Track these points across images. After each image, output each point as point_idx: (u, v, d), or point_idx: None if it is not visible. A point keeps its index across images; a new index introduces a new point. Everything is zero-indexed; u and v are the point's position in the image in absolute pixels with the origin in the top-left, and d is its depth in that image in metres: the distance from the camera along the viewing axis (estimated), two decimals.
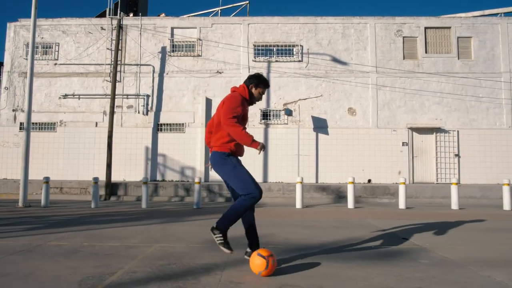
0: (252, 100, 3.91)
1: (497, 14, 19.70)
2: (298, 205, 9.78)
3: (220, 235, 3.69)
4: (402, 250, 4.57)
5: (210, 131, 3.98)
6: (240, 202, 3.60)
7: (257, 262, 3.38)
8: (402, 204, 9.86)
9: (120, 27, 14.51)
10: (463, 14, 19.38)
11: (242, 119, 3.75)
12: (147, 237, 5.41)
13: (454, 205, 9.88)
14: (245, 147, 3.82)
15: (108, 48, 15.46)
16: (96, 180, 9.99)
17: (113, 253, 4.36)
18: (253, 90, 3.87)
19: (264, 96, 15.10)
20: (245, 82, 3.93)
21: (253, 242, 3.91)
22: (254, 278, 3.38)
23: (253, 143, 3.50)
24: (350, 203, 9.92)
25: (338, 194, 13.63)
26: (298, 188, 9.83)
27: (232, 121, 3.56)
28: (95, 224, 6.73)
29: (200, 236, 5.54)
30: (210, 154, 3.88)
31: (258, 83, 3.86)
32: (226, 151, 3.68)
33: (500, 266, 3.83)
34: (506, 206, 9.77)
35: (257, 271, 3.38)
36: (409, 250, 4.57)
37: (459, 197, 13.33)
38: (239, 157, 3.81)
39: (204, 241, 5.10)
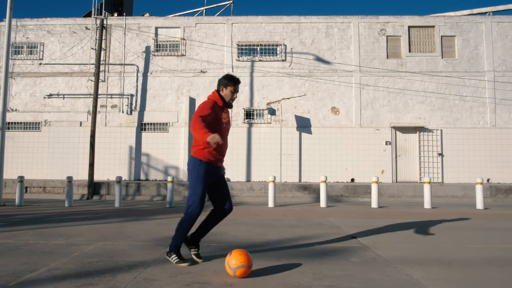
0: (226, 101, 3.85)
1: (486, 13, 19.67)
2: (271, 204, 9.80)
3: (175, 255, 3.79)
4: (340, 249, 4.59)
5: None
6: (182, 219, 3.77)
7: (227, 270, 3.35)
8: (374, 203, 9.88)
9: (103, 27, 14.55)
10: (451, 13, 19.36)
11: (214, 123, 3.69)
12: (98, 235, 5.44)
13: (427, 204, 9.88)
14: (226, 157, 4.00)
15: (92, 48, 15.52)
16: (69, 179, 10.05)
17: (52, 250, 4.40)
18: (224, 91, 3.86)
19: (247, 96, 15.15)
20: (217, 87, 3.94)
21: (194, 238, 3.98)
22: (169, 276, 3.41)
23: (204, 135, 3.39)
24: (323, 202, 9.94)
25: (319, 193, 13.63)
26: (271, 187, 9.85)
27: (194, 119, 3.54)
28: (56, 222, 6.77)
29: (152, 234, 5.57)
30: None
31: (226, 83, 3.85)
32: (200, 157, 3.70)
33: (426, 265, 3.84)
34: (479, 205, 9.76)
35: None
36: (347, 249, 4.58)
37: (440, 196, 13.43)
38: (214, 166, 3.76)
39: (151, 239, 5.13)
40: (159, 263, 3.84)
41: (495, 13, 19.05)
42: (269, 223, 6.69)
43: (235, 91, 3.87)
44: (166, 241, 4.95)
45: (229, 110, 3.96)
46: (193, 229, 3.98)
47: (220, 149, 3.79)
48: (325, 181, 9.98)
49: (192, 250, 3.97)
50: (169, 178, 10.03)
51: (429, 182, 10.00)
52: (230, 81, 3.86)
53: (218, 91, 3.88)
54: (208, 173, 3.71)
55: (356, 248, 4.62)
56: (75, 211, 8.85)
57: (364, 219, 7.39)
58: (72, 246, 4.63)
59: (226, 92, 3.85)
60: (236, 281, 3.25)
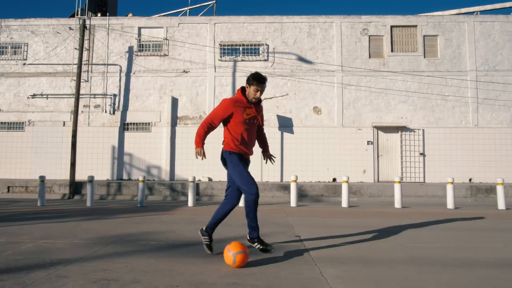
0: (249, 99, 4.05)
1: (474, 12, 19.67)
2: (241, 203, 9.81)
3: (257, 243, 4.09)
4: (274, 248, 4.61)
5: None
6: (247, 206, 4.04)
7: (227, 257, 3.61)
8: (344, 203, 9.89)
9: (84, 27, 14.62)
10: (439, 12, 19.36)
11: (235, 120, 4.00)
12: (45, 233, 5.48)
13: (397, 204, 9.89)
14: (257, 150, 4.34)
15: (75, 48, 15.59)
16: (42, 178, 10.11)
17: None
18: (248, 89, 4.03)
19: (229, 95, 15.12)
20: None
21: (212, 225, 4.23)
22: (84, 273, 3.44)
23: (195, 143, 4.00)
24: (293, 202, 9.97)
25: (300, 193, 13.65)
26: None
27: (203, 122, 4.08)
28: (15, 221, 6.83)
29: (102, 233, 5.61)
30: None
31: (251, 81, 4.01)
32: (230, 150, 4.04)
33: (350, 264, 3.87)
34: (450, 205, 9.77)
35: (229, 264, 3.61)
36: (281, 248, 4.61)
37: (420, 196, 13.45)
38: (243, 157, 4.11)
39: (96, 238, 5.17)
40: (83, 261, 3.88)
41: (482, 12, 19.04)
42: (224, 222, 6.70)
43: (258, 90, 4.00)
44: (110, 240, 5.01)
45: (255, 108, 4.12)
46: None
47: (245, 144, 4.08)
48: (295, 181, 10.01)
49: (204, 239, 4.19)
50: (140, 178, 10.08)
51: (400, 182, 10.01)
52: (254, 80, 4.00)
53: (244, 88, 4.10)
54: (241, 160, 4.03)
55: (292, 246, 4.65)
56: (43, 210, 8.91)
57: (325, 219, 7.42)
58: (10, 244, 4.67)
59: (249, 90, 4.03)
60: (142, 278, 3.29)
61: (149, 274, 3.42)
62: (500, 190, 9.78)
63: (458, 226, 6.52)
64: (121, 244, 4.76)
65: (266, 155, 4.53)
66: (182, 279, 3.28)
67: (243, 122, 3.99)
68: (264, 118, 15.40)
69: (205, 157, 3.99)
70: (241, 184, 3.93)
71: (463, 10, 20.09)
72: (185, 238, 5.24)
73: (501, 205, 9.69)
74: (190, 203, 9.87)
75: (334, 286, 3.11)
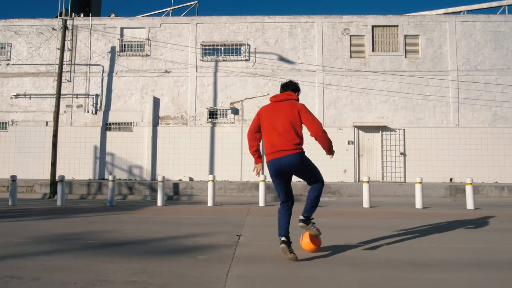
0: None
1: (461, 12, 19.63)
2: (210, 203, 9.88)
3: (311, 225, 4.20)
4: (207, 246, 4.66)
5: (257, 137, 4.30)
6: (319, 192, 4.24)
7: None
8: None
9: (65, 27, 14.70)
10: (427, 12, 19.33)
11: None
12: None
13: (366, 204, 9.92)
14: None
15: (58, 49, 15.66)
16: (13, 178, 10.19)
17: None
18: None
19: (211, 95, 15.25)
20: (292, 90, 4.35)
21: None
22: None
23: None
24: (261, 201, 10.00)
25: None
26: (210, 186, 9.93)
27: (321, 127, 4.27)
28: None
29: (46, 231, 5.66)
30: (279, 159, 4.05)
31: (299, 89, 4.53)
32: (302, 150, 4.15)
33: (264, 263, 3.91)
34: (418, 205, 9.78)
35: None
36: (213, 246, 4.65)
37: (399, 196, 13.43)
38: None
39: (35, 237, 5.22)
40: (4, 259, 3.93)
41: (469, 12, 19.00)
42: (177, 222, 6.78)
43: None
44: (49, 238, 5.06)
45: None
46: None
47: None
48: (264, 180, 10.04)
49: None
50: (110, 178, 10.13)
51: (368, 182, 10.02)
52: (299, 89, 4.50)
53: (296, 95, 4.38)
54: None
55: (223, 245, 4.68)
56: (10, 209, 8.99)
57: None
58: None
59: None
60: (45, 276, 3.33)
61: (57, 272, 3.47)
62: (468, 190, 9.79)
63: (394, 225, 6.54)
64: (56, 243, 4.81)
65: None
66: (85, 276, 3.33)
67: None
68: (245, 118, 15.40)
69: None
70: (319, 176, 4.25)
71: (450, 9, 20.07)
72: (126, 237, 5.29)
73: (469, 205, 9.70)
74: (159, 202, 9.92)
75: (229, 285, 3.15)
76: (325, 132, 4.14)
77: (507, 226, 6.49)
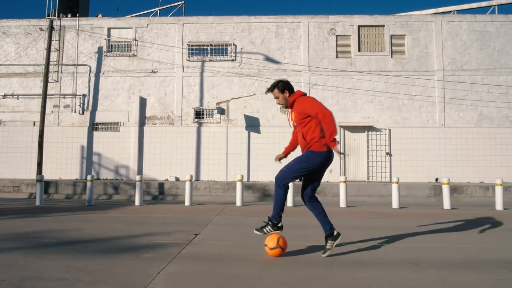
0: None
1: (450, 12, 19.64)
2: (187, 202, 9.91)
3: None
4: (159, 244, 4.68)
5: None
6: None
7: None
8: (290, 203, 9.93)
9: (52, 28, 14.76)
10: (417, 12, 19.36)
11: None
12: None
13: (342, 203, 9.95)
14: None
15: (46, 49, 15.73)
16: None
17: None
18: None
19: (197, 95, 15.32)
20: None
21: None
22: None
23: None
24: (238, 201, 10.02)
25: (264, 193, 13.73)
26: (187, 186, 9.96)
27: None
28: None
29: (5, 230, 5.70)
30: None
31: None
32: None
33: (205, 261, 3.93)
34: (394, 205, 9.80)
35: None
36: (166, 245, 4.67)
37: (383, 196, 13.42)
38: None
39: None
40: None
41: (459, 12, 19.01)
42: (144, 221, 6.82)
43: (275, 97, 4.33)
44: (6, 237, 5.09)
45: (291, 111, 4.32)
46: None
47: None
48: (241, 180, 10.08)
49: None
50: (89, 177, 10.17)
51: (345, 182, 10.05)
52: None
53: None
54: None
55: (174, 244, 4.70)
56: None
57: (254, 217, 7.46)
58: None
59: None
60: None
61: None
62: (445, 190, 9.81)
63: (362, 225, 6.56)
64: (11, 241, 4.86)
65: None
66: (19, 274, 3.36)
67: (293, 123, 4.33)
68: (231, 118, 15.46)
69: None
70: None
71: (440, 9, 20.09)
72: (83, 236, 5.32)
73: (446, 205, 9.71)
74: (137, 202, 9.96)
75: (155, 281, 3.18)
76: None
77: (465, 226, 6.50)
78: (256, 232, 4.19)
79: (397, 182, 9.88)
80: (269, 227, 4.13)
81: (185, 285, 3.14)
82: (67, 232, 5.56)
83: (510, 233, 5.81)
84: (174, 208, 9.26)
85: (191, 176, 10.21)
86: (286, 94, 4.22)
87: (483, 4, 18.98)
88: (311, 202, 4.16)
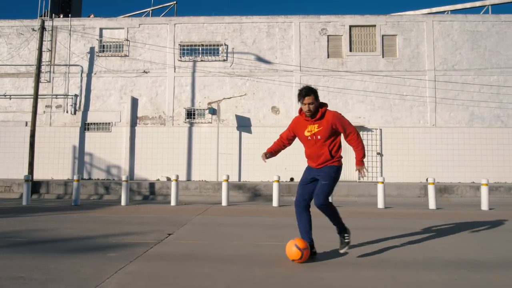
0: (305, 114, 4.15)
1: (444, 11, 19.64)
2: (173, 202, 9.93)
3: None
4: (129, 244, 4.71)
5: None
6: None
7: (293, 250, 3.82)
8: (275, 203, 9.95)
9: (43, 28, 14.80)
10: (411, 12, 19.34)
11: (299, 136, 4.25)
12: None
13: None
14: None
15: (37, 49, 15.76)
16: None
17: None
18: (301, 105, 4.14)
19: (189, 95, 15.32)
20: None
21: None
22: None
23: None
24: (224, 201, 10.04)
25: (254, 193, 13.75)
26: (173, 186, 9.97)
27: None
28: None
29: None
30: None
31: (299, 98, 4.12)
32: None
33: (169, 260, 3.95)
34: (380, 205, 9.81)
35: (292, 258, 3.83)
36: (135, 244, 4.70)
37: (374, 196, 13.38)
38: (309, 167, 4.29)
39: None
40: None
41: (453, 11, 19.01)
42: (123, 221, 6.84)
43: (304, 103, 4.04)
44: None
45: (315, 122, 4.14)
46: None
47: (307, 156, 4.27)
48: (226, 180, 10.10)
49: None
50: (75, 177, 10.20)
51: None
52: (299, 96, 4.10)
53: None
54: (304, 173, 4.28)
55: (144, 244, 4.73)
56: None
57: (235, 217, 7.49)
58: None
59: (301, 106, 4.12)
60: None
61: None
62: (431, 189, 9.83)
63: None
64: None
65: (359, 168, 4.41)
66: None
67: (303, 138, 4.19)
68: (223, 118, 15.48)
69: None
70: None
71: (434, 9, 20.09)
72: (57, 235, 5.34)
73: (431, 205, 9.72)
74: (123, 202, 9.98)
75: (109, 281, 3.20)
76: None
77: (440, 226, 6.50)
78: (343, 251, 4.11)
79: (382, 182, 9.89)
80: (346, 236, 4.15)
81: (135, 284, 3.16)
82: (42, 232, 5.58)
83: (482, 233, 5.81)
84: (159, 208, 9.29)
85: (177, 176, 10.23)
86: (317, 103, 4.08)
87: (477, 4, 18.96)
88: (308, 210, 4.18)
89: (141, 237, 5.22)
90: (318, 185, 4.05)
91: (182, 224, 6.44)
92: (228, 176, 10.25)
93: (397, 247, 4.67)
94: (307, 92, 4.01)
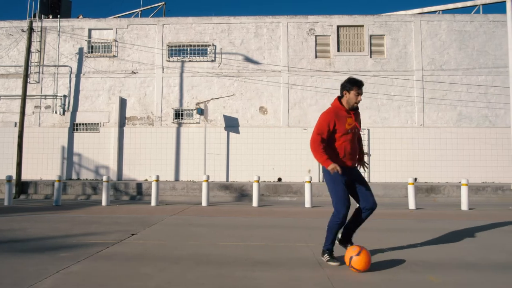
0: (350, 105, 3.95)
1: (436, 11, 19.59)
2: (153, 203, 9.95)
3: (327, 255, 3.96)
4: (90, 244, 4.73)
5: None
6: (331, 221, 3.95)
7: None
8: (255, 203, 9.97)
9: (31, 29, 14.86)
10: (402, 12, 19.28)
11: (337, 133, 3.88)
12: None
13: (307, 204, 9.96)
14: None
15: (26, 50, 15.82)
16: None
17: None
18: (348, 95, 3.92)
19: (177, 96, 15.32)
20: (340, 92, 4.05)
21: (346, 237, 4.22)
22: None
23: (324, 162, 3.80)
24: (204, 201, 10.06)
25: (241, 193, 13.77)
26: (153, 186, 10.00)
27: (314, 139, 3.89)
28: None
29: None
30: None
31: (350, 87, 3.92)
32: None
33: (118, 260, 3.97)
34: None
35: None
36: (95, 244, 4.71)
37: None
38: (344, 167, 3.93)
39: None
40: None
41: (445, 11, 18.95)
42: (94, 221, 6.87)
43: (359, 93, 3.92)
44: None
45: (353, 115, 3.99)
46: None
47: (347, 156, 3.96)
48: (207, 180, 10.11)
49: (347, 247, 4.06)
50: (56, 178, 10.23)
51: (310, 182, 10.05)
52: (354, 85, 3.92)
53: (340, 97, 4.00)
54: (337, 175, 3.84)
55: (101, 244, 4.75)
56: None
57: (209, 218, 7.51)
58: None
59: (350, 96, 3.92)
60: None
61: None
62: (410, 189, 9.83)
63: (302, 224, 6.57)
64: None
65: (360, 163, 4.36)
66: None
67: (344, 133, 3.87)
68: (210, 118, 15.51)
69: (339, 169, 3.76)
70: (334, 203, 3.92)
71: (426, 9, 20.04)
72: (21, 236, 5.37)
73: (411, 205, 9.73)
74: (103, 202, 10.02)
75: (46, 280, 3.22)
76: (312, 142, 3.90)
77: (408, 226, 6.51)
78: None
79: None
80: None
81: (68, 284, 3.18)
82: (7, 232, 5.61)
83: (443, 232, 5.80)
84: (138, 208, 9.31)
85: (157, 177, 10.26)
86: None
87: (468, 3, 18.90)
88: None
89: (103, 237, 5.24)
90: (365, 186, 4.05)
91: (151, 224, 6.46)
92: (208, 177, 10.27)
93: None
94: (363, 84, 3.98)
